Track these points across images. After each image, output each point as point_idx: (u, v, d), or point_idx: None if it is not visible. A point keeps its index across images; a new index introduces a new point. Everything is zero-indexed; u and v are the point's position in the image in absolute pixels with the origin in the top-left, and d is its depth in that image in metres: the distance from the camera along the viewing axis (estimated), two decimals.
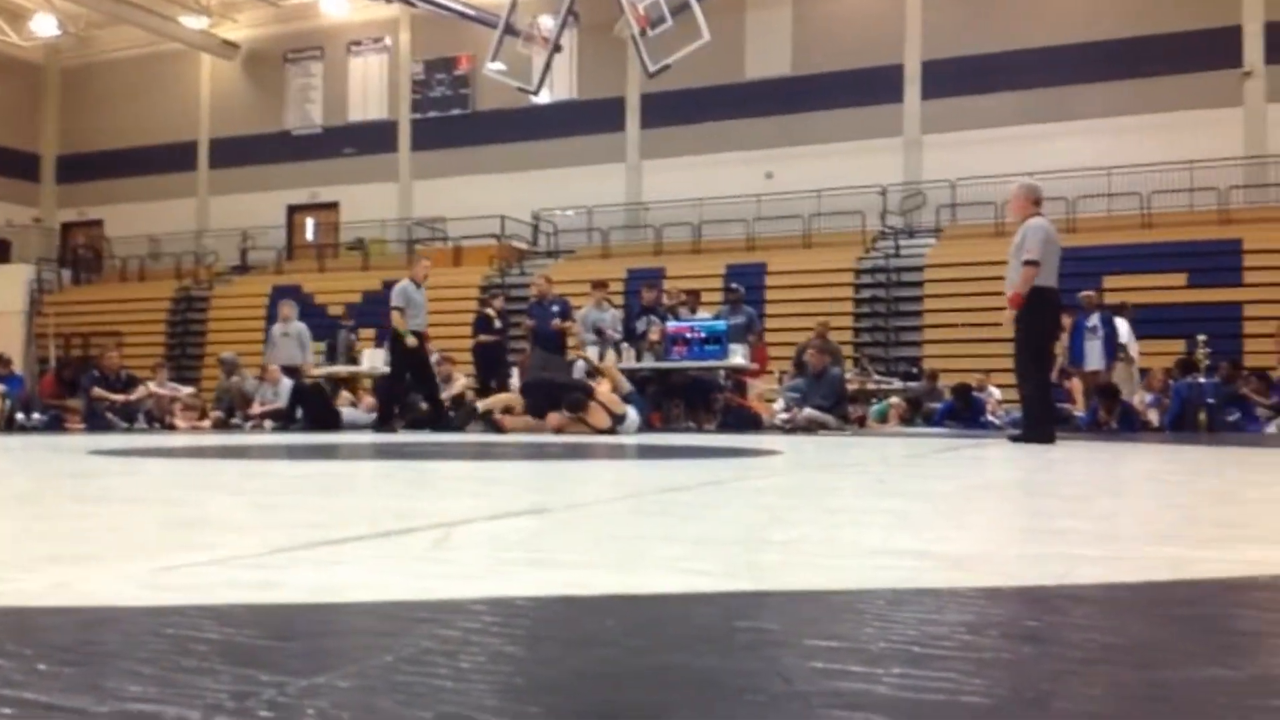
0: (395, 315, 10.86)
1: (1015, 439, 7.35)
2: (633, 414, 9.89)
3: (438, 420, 11.00)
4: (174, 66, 29.72)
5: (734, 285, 14.15)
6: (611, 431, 9.52)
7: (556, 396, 9.92)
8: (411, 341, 10.83)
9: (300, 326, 14.20)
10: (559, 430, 9.66)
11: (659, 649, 1.05)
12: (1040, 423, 7.28)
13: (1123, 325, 13.46)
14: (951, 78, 22.38)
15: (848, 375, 13.36)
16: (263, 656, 1.01)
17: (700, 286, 15.93)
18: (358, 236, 26.49)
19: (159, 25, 27.30)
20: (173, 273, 27.16)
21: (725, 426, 11.51)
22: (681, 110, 24.03)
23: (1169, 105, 20.64)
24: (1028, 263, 7.14)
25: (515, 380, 12.27)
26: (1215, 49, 20.55)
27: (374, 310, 22.46)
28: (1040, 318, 7.26)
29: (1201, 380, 11.85)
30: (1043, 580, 1.49)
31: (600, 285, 13.12)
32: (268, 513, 2.52)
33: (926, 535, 2.03)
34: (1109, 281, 16.20)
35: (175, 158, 29.58)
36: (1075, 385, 13.60)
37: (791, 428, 10.94)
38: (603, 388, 9.94)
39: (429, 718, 0.81)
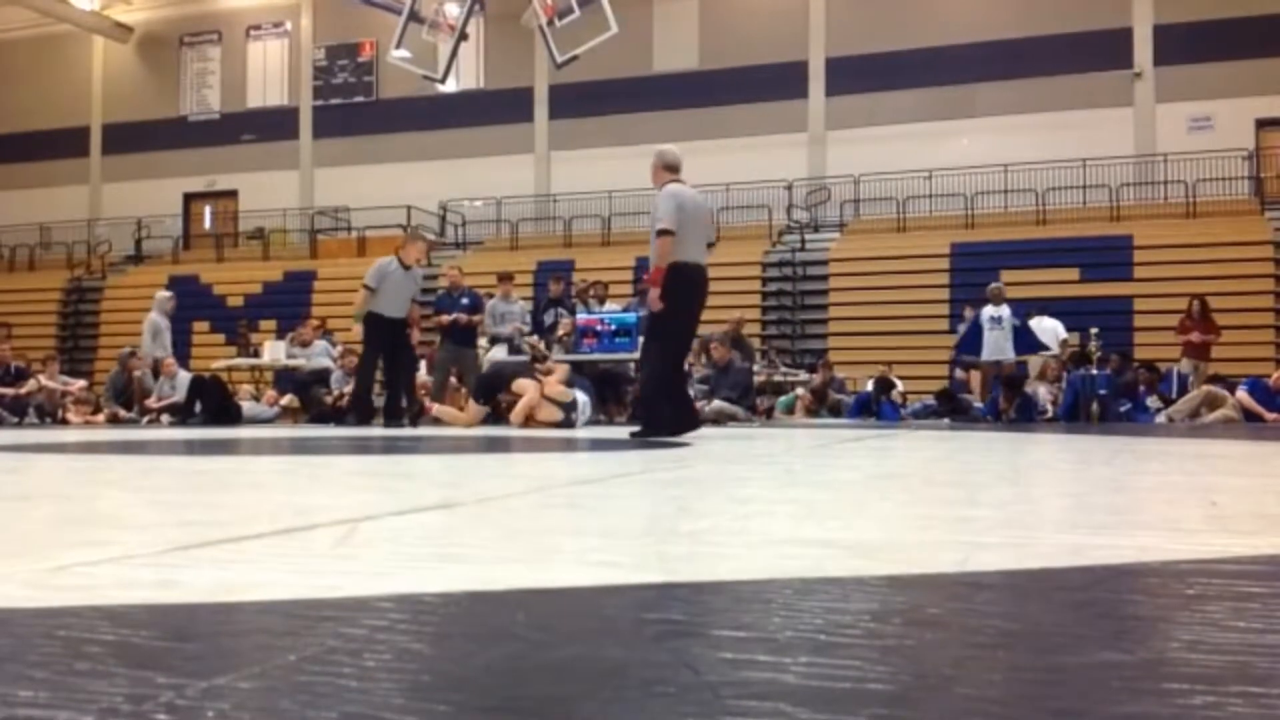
0: (361, 294, 9.64)
1: (634, 434, 6.75)
2: (582, 398, 9.55)
3: (391, 415, 9.78)
4: (65, 49, 28.75)
5: (645, 277, 14.16)
6: (567, 423, 9.25)
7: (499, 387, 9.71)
8: (353, 333, 9.84)
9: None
10: (528, 420, 9.27)
11: (567, 642, 1.05)
12: (656, 413, 6.70)
13: (1054, 322, 13.82)
14: (854, 75, 22.75)
15: (756, 368, 13.50)
16: (160, 658, 0.98)
17: (610, 279, 15.93)
18: (258, 226, 25.95)
19: (49, 6, 26.36)
20: (64, 262, 26.30)
21: (635, 419, 11.54)
22: (590, 102, 24.01)
23: (1063, 104, 21.27)
24: (662, 232, 6.52)
25: (423, 373, 12.11)
26: (1107, 50, 21.23)
27: (274, 301, 22.07)
28: (673, 296, 6.54)
29: (1094, 372, 12.23)
30: (944, 567, 1.53)
31: (506, 278, 13.02)
32: (165, 510, 2.45)
33: (832, 524, 2.06)
34: (1005, 276, 16.64)
35: (66, 143, 28.62)
36: (974, 376, 13.94)
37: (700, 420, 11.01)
38: (548, 381, 9.62)
39: (333, 718, 0.79)
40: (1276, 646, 1.05)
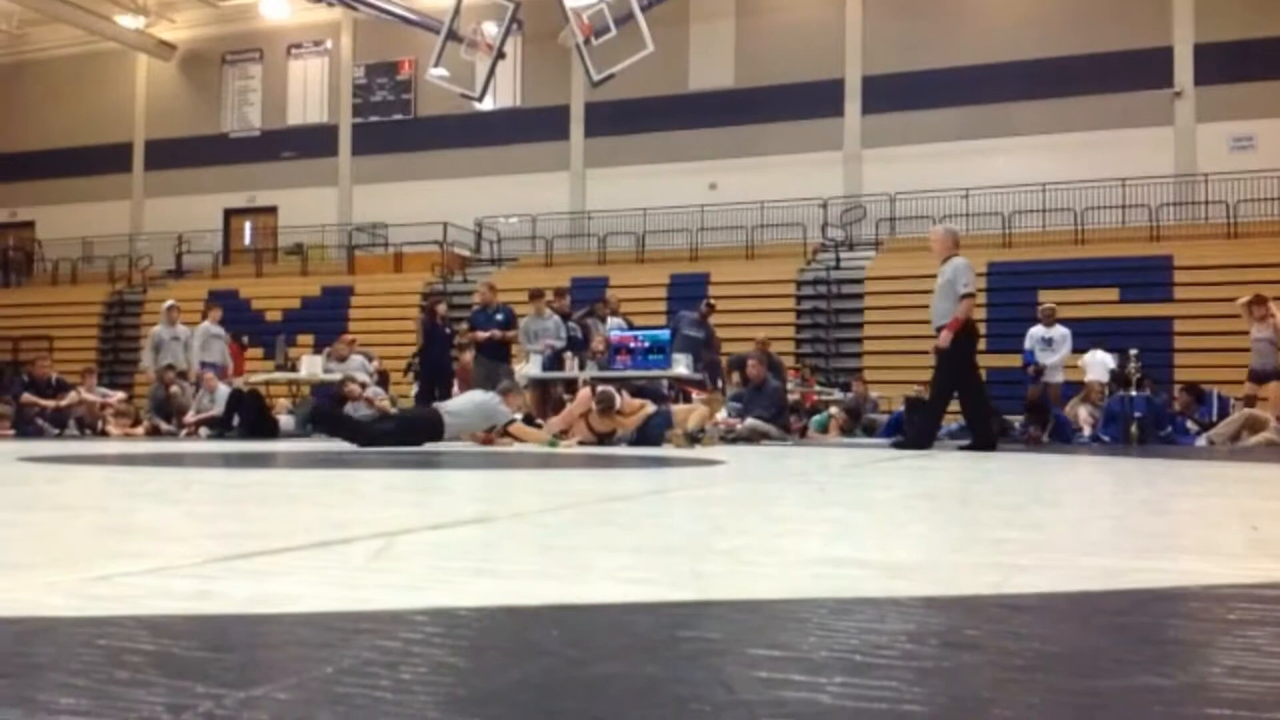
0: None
1: (964, 448, 8.12)
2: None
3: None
4: (109, 66, 29.22)
5: (710, 301, 14.16)
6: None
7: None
8: None
9: (186, 331, 14.00)
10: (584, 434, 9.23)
11: (602, 658, 1.05)
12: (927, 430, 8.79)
13: (1105, 355, 13.65)
14: (891, 93, 22.69)
15: (789, 386, 13.44)
16: (199, 668, 0.99)
17: (643, 296, 15.93)
18: (296, 241, 26.19)
19: (94, 24, 26.81)
20: (106, 276, 26.66)
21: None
22: (626, 120, 24.09)
23: (1103, 124, 21.09)
24: (965, 296, 8.22)
25: (456, 389, 12.13)
26: (1147, 69, 21.05)
27: (312, 316, 22.26)
28: (964, 343, 8.44)
29: (1133, 394, 12.07)
30: (980, 589, 1.51)
31: (537, 295, 12.85)
32: (203, 522, 2.48)
33: (867, 544, 2.05)
34: (1043, 296, 16.49)
35: (110, 159, 29.05)
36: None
37: (734, 438, 10.98)
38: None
39: None
40: None
